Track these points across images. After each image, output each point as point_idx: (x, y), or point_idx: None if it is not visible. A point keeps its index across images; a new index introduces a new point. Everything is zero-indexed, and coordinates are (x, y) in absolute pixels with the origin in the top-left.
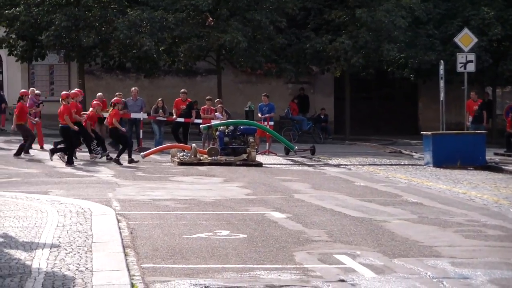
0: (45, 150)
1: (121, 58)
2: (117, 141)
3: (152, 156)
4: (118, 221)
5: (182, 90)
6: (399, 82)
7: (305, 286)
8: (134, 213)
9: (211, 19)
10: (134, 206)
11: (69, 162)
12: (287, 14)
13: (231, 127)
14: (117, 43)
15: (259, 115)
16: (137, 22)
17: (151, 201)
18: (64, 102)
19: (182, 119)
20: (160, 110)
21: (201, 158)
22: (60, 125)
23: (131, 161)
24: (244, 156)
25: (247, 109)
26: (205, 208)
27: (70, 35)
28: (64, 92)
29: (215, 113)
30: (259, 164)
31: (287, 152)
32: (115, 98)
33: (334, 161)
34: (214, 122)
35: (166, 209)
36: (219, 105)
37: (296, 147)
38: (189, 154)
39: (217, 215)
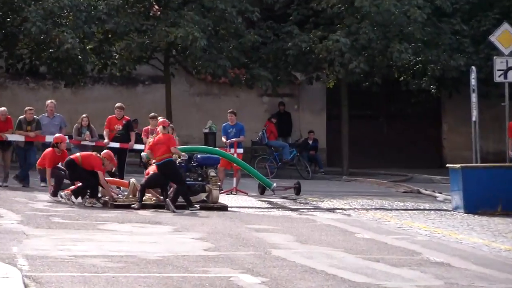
0: None
1: (33, 59)
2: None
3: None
4: (26, 286)
5: (118, 105)
6: (415, 95)
7: None
8: (48, 275)
9: (157, 7)
10: (49, 266)
11: None
12: (261, 1)
13: (185, 156)
14: (28, 39)
15: (223, 139)
16: (55, 11)
17: (73, 259)
18: None
19: (117, 144)
20: (86, 132)
21: (143, 198)
22: None
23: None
24: (203, 196)
25: (206, 130)
26: (148, 268)
27: None
28: None
29: None
30: (224, 208)
31: (262, 191)
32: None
33: (327, 203)
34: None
35: (94, 270)
36: (169, 126)
37: (275, 184)
38: (125, 193)
39: (164, 279)
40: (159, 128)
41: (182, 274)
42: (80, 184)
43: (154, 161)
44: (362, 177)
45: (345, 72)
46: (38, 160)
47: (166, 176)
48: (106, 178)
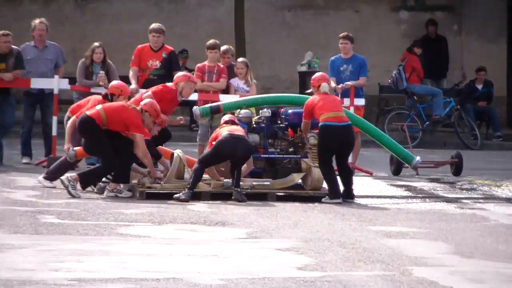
0: None
1: None
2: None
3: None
4: None
5: (154, 27)
6: None
7: None
8: None
9: None
10: None
11: None
12: None
13: (266, 111)
14: None
15: (332, 83)
16: None
17: (75, 284)
18: None
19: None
20: (100, 72)
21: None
22: None
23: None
24: (297, 178)
25: (303, 68)
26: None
27: None
28: None
29: (231, 80)
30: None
31: (398, 169)
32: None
33: (507, 190)
34: (224, 99)
35: None
36: (240, 61)
37: (419, 158)
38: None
39: None
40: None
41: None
42: (90, 163)
43: (223, 120)
44: None
45: None
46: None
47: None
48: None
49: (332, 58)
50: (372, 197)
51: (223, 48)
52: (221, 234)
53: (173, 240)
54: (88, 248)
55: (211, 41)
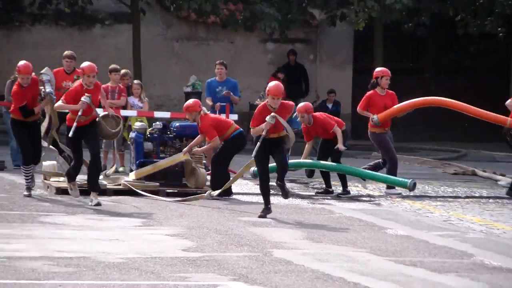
0: None
1: None
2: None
3: (6, 176)
4: None
5: (67, 53)
6: (476, 42)
7: None
8: None
9: None
10: None
11: None
12: None
13: (159, 124)
14: None
15: (208, 101)
16: None
17: (5, 261)
18: None
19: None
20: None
21: (103, 181)
22: None
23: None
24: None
25: (188, 89)
26: (107, 274)
27: None
28: None
29: (128, 98)
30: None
31: (312, 171)
32: None
33: (350, 188)
34: (124, 113)
35: (34, 277)
36: (136, 83)
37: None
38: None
39: (128, 287)
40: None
41: (152, 282)
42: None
43: None
44: (399, 153)
45: (381, 8)
46: None
47: None
48: None
49: (208, 80)
50: (241, 193)
51: (122, 71)
52: (121, 223)
53: (83, 227)
54: (15, 233)
55: (113, 65)
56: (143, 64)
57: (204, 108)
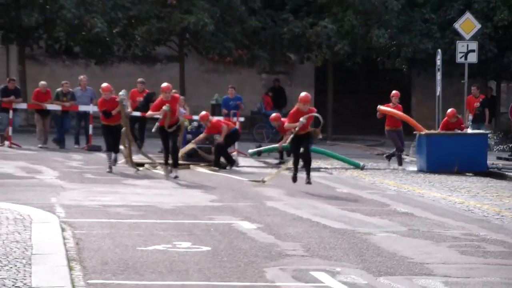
0: None
1: (68, 41)
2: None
3: (102, 155)
4: (63, 229)
5: (139, 80)
6: (390, 73)
7: None
8: (80, 220)
9: None
10: (81, 213)
11: None
12: None
13: (195, 124)
14: (64, 23)
15: (224, 110)
16: (87, 1)
17: (101, 207)
18: None
19: (138, 113)
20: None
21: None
22: None
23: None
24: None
25: (213, 102)
26: (164, 216)
27: (9, 13)
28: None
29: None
30: (228, 165)
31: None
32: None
33: (313, 163)
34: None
35: (118, 217)
36: (181, 98)
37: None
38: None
39: (177, 224)
40: None
41: (192, 221)
42: None
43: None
44: (343, 142)
45: (331, 53)
46: None
47: None
48: None
49: (224, 97)
50: (246, 166)
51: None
52: (172, 184)
53: (149, 187)
54: (106, 190)
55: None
56: (186, 86)
57: (211, 117)
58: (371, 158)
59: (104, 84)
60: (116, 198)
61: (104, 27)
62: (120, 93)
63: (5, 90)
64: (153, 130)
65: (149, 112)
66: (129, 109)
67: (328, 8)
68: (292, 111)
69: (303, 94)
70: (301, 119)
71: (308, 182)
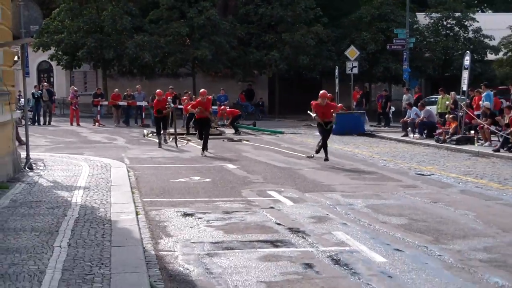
0: (81, 127)
1: (131, 66)
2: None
3: (149, 129)
4: (128, 171)
5: (170, 87)
6: (309, 80)
7: (248, 211)
8: (138, 166)
9: (188, 40)
10: (139, 161)
11: None
12: (238, 37)
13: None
14: (128, 57)
15: (217, 103)
16: (141, 43)
17: (149, 158)
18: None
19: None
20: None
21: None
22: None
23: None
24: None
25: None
26: (184, 162)
27: (97, 52)
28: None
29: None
30: (221, 133)
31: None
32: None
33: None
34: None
35: (159, 163)
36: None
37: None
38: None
39: (192, 167)
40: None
41: (200, 165)
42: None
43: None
44: (284, 119)
45: (277, 70)
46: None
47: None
48: None
49: (218, 94)
50: (230, 134)
51: (189, 92)
52: (188, 148)
53: (178, 149)
54: (152, 149)
55: (187, 90)
56: (196, 90)
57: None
58: (300, 128)
59: (158, 90)
60: (158, 153)
61: (150, 58)
62: (168, 99)
63: (95, 94)
64: (191, 123)
65: (189, 107)
66: (173, 106)
67: (275, 45)
68: (314, 103)
69: (322, 92)
70: (313, 115)
71: (326, 159)
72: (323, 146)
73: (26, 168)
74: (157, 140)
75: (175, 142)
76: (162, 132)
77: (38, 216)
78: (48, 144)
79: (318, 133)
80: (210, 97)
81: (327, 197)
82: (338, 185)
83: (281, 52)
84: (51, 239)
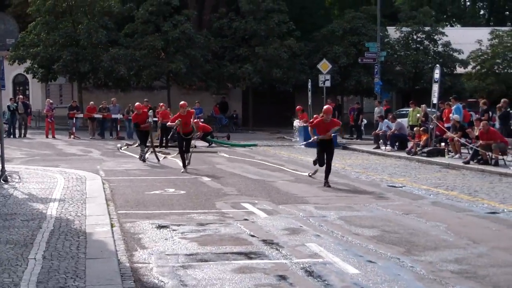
0: (57, 139)
1: (106, 79)
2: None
3: (124, 141)
4: (103, 183)
5: (145, 100)
6: (283, 93)
7: (222, 223)
8: (113, 178)
9: (163, 54)
10: (114, 174)
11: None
12: (212, 50)
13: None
14: (103, 70)
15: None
16: (116, 56)
17: (125, 171)
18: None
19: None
20: (130, 112)
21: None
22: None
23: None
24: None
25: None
26: (159, 174)
27: (73, 65)
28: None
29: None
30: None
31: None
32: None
33: (242, 143)
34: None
35: (134, 175)
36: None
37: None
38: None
39: (166, 179)
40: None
41: (175, 177)
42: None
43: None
44: (258, 131)
45: (251, 83)
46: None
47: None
48: None
49: (194, 107)
50: (203, 146)
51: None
52: (167, 161)
53: (153, 159)
54: (128, 161)
55: (162, 103)
56: (171, 103)
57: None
58: (273, 140)
59: (137, 104)
60: (133, 165)
61: (125, 72)
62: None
63: (71, 107)
64: (169, 136)
65: (169, 123)
66: (150, 120)
67: (249, 58)
68: (318, 119)
69: (325, 107)
70: (314, 138)
71: (327, 185)
72: (326, 170)
73: (1, 181)
74: (134, 154)
75: (156, 156)
76: (146, 146)
77: (13, 229)
78: (23, 157)
79: (292, 145)
80: (192, 110)
81: (301, 209)
82: (311, 197)
83: (255, 65)
84: (26, 252)
